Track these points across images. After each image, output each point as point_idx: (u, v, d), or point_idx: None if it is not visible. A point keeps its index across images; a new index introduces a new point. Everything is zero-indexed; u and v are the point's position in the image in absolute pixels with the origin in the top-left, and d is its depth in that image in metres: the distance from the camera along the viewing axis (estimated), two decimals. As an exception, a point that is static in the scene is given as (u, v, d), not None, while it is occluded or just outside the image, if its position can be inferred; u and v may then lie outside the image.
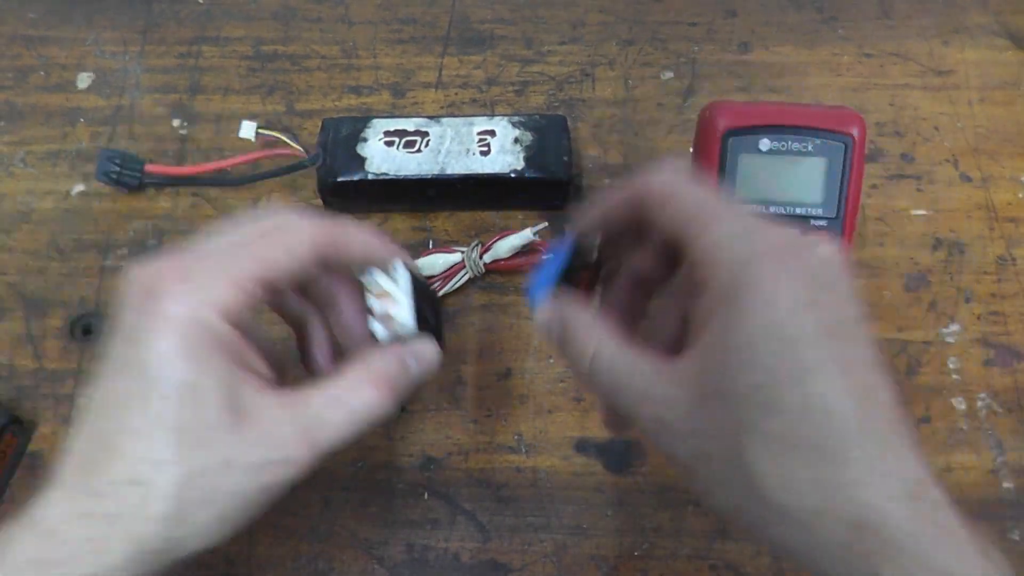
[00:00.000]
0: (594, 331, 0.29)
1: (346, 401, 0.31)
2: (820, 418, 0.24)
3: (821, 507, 0.24)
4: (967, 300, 0.50)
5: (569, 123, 0.53)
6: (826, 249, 0.26)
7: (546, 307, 0.31)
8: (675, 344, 0.30)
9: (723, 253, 0.26)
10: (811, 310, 0.25)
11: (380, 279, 0.33)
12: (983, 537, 0.25)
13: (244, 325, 0.30)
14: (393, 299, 0.33)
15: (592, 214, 0.33)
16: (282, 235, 0.31)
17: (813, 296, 0.25)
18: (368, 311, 0.33)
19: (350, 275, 0.35)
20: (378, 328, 0.33)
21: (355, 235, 0.33)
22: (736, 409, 0.25)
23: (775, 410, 0.24)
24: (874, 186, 0.54)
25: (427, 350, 0.35)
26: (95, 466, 0.28)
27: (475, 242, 0.50)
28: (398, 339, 0.33)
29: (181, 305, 0.28)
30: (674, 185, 0.29)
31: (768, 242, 0.26)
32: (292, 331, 0.35)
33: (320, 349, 0.36)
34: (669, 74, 0.58)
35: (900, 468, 0.24)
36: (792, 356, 0.25)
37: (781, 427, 0.24)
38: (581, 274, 0.33)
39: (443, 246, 0.50)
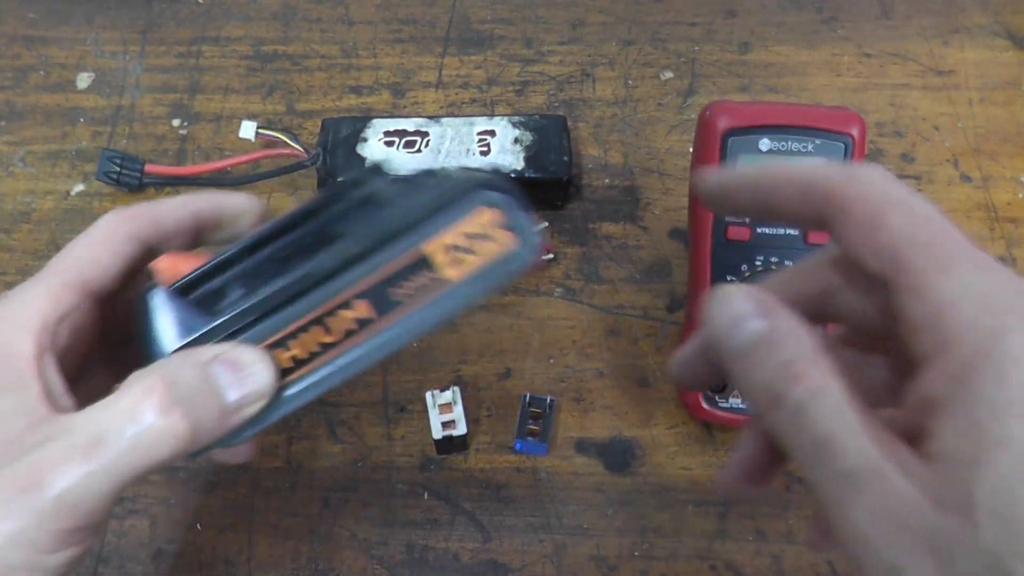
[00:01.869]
0: (821, 361, 0.21)
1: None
2: None
3: None
4: (967, 300, 0.50)
5: (569, 123, 0.53)
6: None
7: (742, 298, 0.23)
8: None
9: (965, 316, 0.20)
10: None
11: (443, 395, 0.44)
12: None
13: (64, 336, 0.29)
14: (451, 408, 0.44)
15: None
16: (91, 233, 0.31)
17: None
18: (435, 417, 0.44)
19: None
20: (438, 429, 0.43)
21: (189, 203, 0.32)
22: (1006, 535, 0.18)
23: None
24: (874, 186, 0.54)
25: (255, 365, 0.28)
26: None
27: (475, 242, 0.50)
28: (452, 440, 0.44)
29: None
30: (888, 199, 0.22)
31: None
32: None
33: None
34: (669, 74, 0.58)
35: None
36: None
37: None
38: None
39: (443, 246, 0.50)
